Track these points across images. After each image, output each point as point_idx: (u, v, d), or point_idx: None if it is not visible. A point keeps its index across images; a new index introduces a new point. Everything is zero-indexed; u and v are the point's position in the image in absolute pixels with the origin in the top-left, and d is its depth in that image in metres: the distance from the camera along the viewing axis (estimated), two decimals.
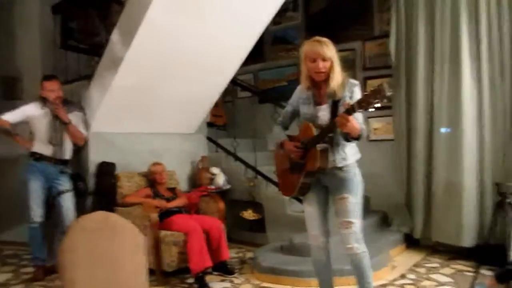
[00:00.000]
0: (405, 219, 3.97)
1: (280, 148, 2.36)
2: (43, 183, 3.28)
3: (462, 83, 3.54)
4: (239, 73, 4.45)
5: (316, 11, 5.17)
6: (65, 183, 3.33)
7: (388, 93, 1.82)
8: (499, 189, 3.23)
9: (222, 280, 3.14)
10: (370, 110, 1.93)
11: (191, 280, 3.07)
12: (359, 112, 1.97)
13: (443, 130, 3.71)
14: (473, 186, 3.51)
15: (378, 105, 1.88)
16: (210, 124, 4.86)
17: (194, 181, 4.30)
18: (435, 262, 3.51)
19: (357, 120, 2.05)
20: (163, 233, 3.16)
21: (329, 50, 2.13)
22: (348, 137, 2.09)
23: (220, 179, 4.16)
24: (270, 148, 2.49)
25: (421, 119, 3.84)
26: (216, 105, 4.75)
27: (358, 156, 2.27)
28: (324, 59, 2.13)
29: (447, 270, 3.28)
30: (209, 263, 3.01)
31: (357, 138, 2.08)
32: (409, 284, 2.99)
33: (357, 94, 2.15)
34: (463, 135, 3.53)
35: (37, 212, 3.24)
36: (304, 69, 2.23)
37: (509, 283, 2.41)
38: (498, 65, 3.47)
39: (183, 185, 4.13)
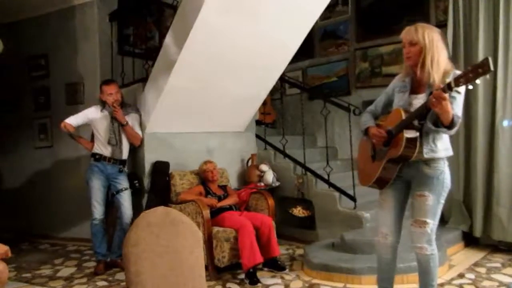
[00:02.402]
0: (462, 217, 3.80)
1: (365, 135, 2.31)
2: (103, 182, 3.49)
3: None
4: (287, 70, 4.47)
5: (367, 3, 5.06)
6: (123, 182, 3.53)
7: (492, 69, 1.69)
8: None
9: (273, 276, 3.18)
10: (470, 87, 1.80)
11: (242, 276, 3.14)
12: (457, 92, 1.85)
13: (507, 123, 3.51)
14: None
15: (478, 81, 1.75)
16: (258, 122, 4.92)
17: (244, 179, 4.39)
18: (496, 261, 3.34)
19: (455, 106, 1.94)
20: (215, 229, 3.26)
21: (418, 34, 2.03)
22: (438, 123, 1.94)
23: (269, 176, 4.20)
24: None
25: (482, 112, 3.65)
26: (265, 102, 4.80)
27: (449, 152, 2.12)
28: (411, 44, 2.05)
29: (509, 270, 3.11)
30: (260, 259, 3.06)
31: (448, 126, 1.92)
32: (468, 284, 2.87)
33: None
34: None
35: (98, 209, 3.46)
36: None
37: None
38: None
39: (233, 183, 4.23)
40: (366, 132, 2.29)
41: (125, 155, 3.57)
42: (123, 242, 1.53)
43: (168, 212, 1.64)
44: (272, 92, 4.92)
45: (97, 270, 3.41)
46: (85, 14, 4.62)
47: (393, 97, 2.26)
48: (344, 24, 5.27)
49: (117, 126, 3.50)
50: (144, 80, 3.84)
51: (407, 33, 2.10)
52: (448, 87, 1.82)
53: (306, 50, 5.05)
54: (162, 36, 3.54)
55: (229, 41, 3.40)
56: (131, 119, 3.59)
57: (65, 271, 3.53)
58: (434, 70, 1.99)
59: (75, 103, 4.58)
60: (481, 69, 1.71)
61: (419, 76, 2.08)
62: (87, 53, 4.61)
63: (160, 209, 1.63)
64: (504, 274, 3.04)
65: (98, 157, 3.49)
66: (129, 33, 4.78)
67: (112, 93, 3.48)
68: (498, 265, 3.26)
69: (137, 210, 3.48)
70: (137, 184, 3.67)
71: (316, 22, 4.01)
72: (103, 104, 3.52)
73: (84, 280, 3.29)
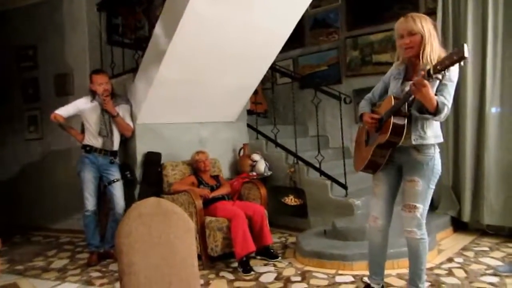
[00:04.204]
0: (451, 202, 3.87)
1: (361, 121, 2.36)
2: (95, 173, 3.48)
3: None
4: (278, 59, 4.47)
5: None
6: (115, 173, 3.52)
7: (467, 55, 1.73)
8: None
9: (266, 264, 3.22)
10: (447, 74, 1.88)
11: (235, 265, 3.18)
12: (436, 77, 1.88)
13: (495, 109, 3.57)
14: None
15: (454, 67, 1.82)
16: (250, 112, 4.93)
17: (236, 168, 4.41)
18: (484, 245, 3.42)
19: (446, 94, 1.99)
20: (208, 219, 3.28)
21: (418, 24, 2.05)
22: (423, 109, 1.99)
23: (261, 166, 4.22)
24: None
25: (471, 98, 3.69)
26: (256, 92, 4.80)
27: (439, 139, 2.16)
28: (410, 34, 2.07)
29: (497, 254, 3.19)
30: (252, 247, 3.10)
31: (433, 113, 1.97)
32: (456, 267, 2.94)
33: (452, 74, 2.03)
34: None
35: (90, 201, 3.46)
36: (397, 48, 2.20)
37: None
38: None
39: (225, 173, 4.25)
40: (361, 118, 2.33)
41: (116, 146, 3.57)
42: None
43: (160, 203, 1.65)
44: (263, 82, 4.92)
45: (90, 261, 3.42)
46: (73, 3, 4.55)
47: (389, 85, 2.29)
48: (334, 12, 5.25)
49: (108, 117, 3.48)
50: (134, 70, 3.81)
51: (405, 23, 2.10)
52: (428, 74, 1.86)
53: (296, 39, 5.04)
54: (152, 26, 3.51)
55: (219, 31, 3.38)
56: (122, 110, 3.57)
57: (58, 263, 3.54)
58: (433, 58, 2.02)
59: (65, 94, 4.54)
60: (456, 56, 1.76)
61: (418, 66, 2.10)
62: (76, 43, 4.56)
63: (152, 200, 1.64)
64: (492, 257, 3.12)
65: (89, 149, 3.48)
66: (118, 23, 4.73)
67: (102, 82, 3.46)
68: (486, 248, 3.33)
69: (129, 201, 3.49)
70: (128, 175, 3.67)
71: (307, 11, 4.00)
72: (94, 95, 3.50)
73: (78, 271, 3.30)
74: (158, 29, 3.39)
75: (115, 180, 3.50)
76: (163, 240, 1.59)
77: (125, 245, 1.50)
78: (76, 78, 4.56)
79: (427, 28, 2.06)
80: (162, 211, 1.62)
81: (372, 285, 2.42)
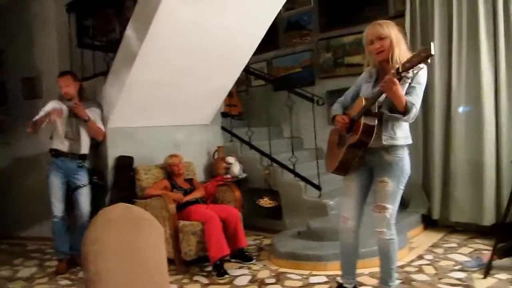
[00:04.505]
0: (422, 201, 3.97)
1: (333, 123, 2.39)
2: (62, 178, 3.39)
3: (480, 62, 3.50)
4: (252, 61, 4.47)
5: None
6: (82, 178, 3.43)
7: (433, 53, 1.81)
8: None
9: (240, 267, 3.22)
10: (416, 71, 1.97)
11: (210, 268, 3.16)
12: (405, 75, 1.95)
13: (462, 110, 3.68)
14: (492, 165, 3.49)
15: (422, 65, 1.90)
16: (225, 114, 4.92)
17: (211, 171, 4.38)
18: (453, 242, 3.52)
19: (414, 96, 2.04)
20: (181, 223, 3.25)
21: (385, 28, 2.13)
22: (394, 108, 2.05)
23: (236, 168, 4.22)
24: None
25: (438, 99, 3.80)
26: (231, 94, 4.79)
27: (409, 141, 2.22)
28: (380, 38, 2.13)
29: (465, 250, 3.29)
30: (227, 251, 3.09)
31: (403, 112, 2.03)
32: (426, 264, 3.02)
33: (420, 77, 2.10)
34: (483, 114, 3.51)
35: (58, 207, 3.36)
36: (367, 54, 2.26)
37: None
38: None
39: (200, 176, 4.22)
40: (333, 120, 2.37)
41: (84, 149, 3.47)
42: None
43: (129, 209, 1.62)
44: (238, 84, 4.92)
45: (59, 269, 3.33)
46: (41, 4, 4.42)
47: (361, 88, 2.34)
48: (307, 14, 5.30)
49: (75, 120, 3.40)
50: (105, 73, 3.74)
51: (373, 29, 2.17)
52: (397, 73, 1.93)
53: (271, 41, 5.06)
54: (124, 28, 3.46)
55: (192, 33, 3.36)
56: (92, 114, 3.49)
57: (25, 272, 3.43)
58: (401, 60, 2.07)
59: (33, 98, 4.40)
60: (424, 53, 1.84)
61: (388, 69, 2.15)
62: (45, 45, 4.43)
63: (120, 206, 1.61)
64: (460, 253, 3.21)
65: (55, 153, 3.39)
66: (89, 25, 4.62)
67: (68, 85, 3.36)
68: (455, 245, 3.44)
69: (98, 206, 3.41)
70: (95, 180, 3.57)
71: (280, 13, 4.02)
72: (62, 98, 3.41)
73: (45, 280, 3.21)
74: (129, 31, 3.34)
75: (81, 186, 3.40)
76: (132, 247, 1.57)
77: (91, 253, 1.47)
78: (45, 81, 4.42)
79: (394, 33, 2.15)
80: (131, 217, 1.60)
81: (344, 284, 2.45)
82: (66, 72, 3.51)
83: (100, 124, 3.55)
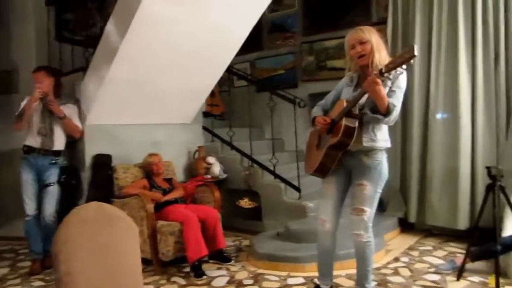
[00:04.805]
0: (399, 204, 4.02)
1: (313, 125, 2.39)
2: (34, 175, 3.28)
3: (459, 69, 3.58)
4: (235, 62, 4.46)
5: None
6: (52, 176, 3.32)
7: (416, 54, 1.84)
8: (490, 172, 3.28)
9: (219, 268, 3.20)
10: (398, 72, 1.98)
11: (188, 269, 3.13)
12: (387, 77, 1.99)
13: (439, 116, 3.75)
14: (467, 170, 3.57)
15: (404, 66, 1.92)
16: (206, 114, 4.88)
17: (191, 171, 4.34)
18: (428, 245, 3.58)
19: (394, 99, 2.06)
20: (159, 223, 3.20)
21: (366, 33, 2.17)
22: (375, 109, 2.07)
23: (216, 169, 4.20)
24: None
25: (417, 105, 3.87)
26: (213, 94, 4.76)
27: (388, 144, 2.25)
28: (361, 42, 2.16)
29: (440, 253, 3.36)
30: (205, 251, 3.06)
31: (384, 114, 2.05)
32: (402, 266, 3.06)
33: (400, 81, 2.12)
34: (460, 121, 3.58)
35: (30, 205, 3.26)
36: (348, 59, 2.29)
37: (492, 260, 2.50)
38: (493, 51, 3.49)
39: (179, 175, 4.18)
40: (313, 122, 2.37)
41: (58, 146, 3.36)
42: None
43: (103, 208, 1.58)
44: (221, 84, 4.89)
45: (32, 270, 3.22)
46: None
47: (341, 93, 2.36)
48: (291, 17, 5.33)
49: (49, 115, 3.30)
50: (84, 69, 3.66)
51: (355, 34, 2.21)
52: (380, 73, 1.96)
53: (254, 42, 5.05)
54: (105, 23, 3.39)
55: (174, 31, 3.32)
56: (68, 110, 3.40)
57: None
58: (382, 64, 2.10)
59: (9, 93, 4.28)
60: (407, 54, 1.88)
61: (369, 73, 2.16)
62: (22, 38, 4.31)
63: (93, 205, 1.57)
64: (435, 256, 3.27)
65: (27, 149, 3.28)
66: (68, 18, 4.52)
67: (41, 81, 3.25)
68: (430, 248, 3.50)
69: (72, 206, 3.33)
70: (63, 179, 3.43)
71: (265, 14, 4.02)
72: None
73: (18, 281, 3.10)
74: (110, 27, 3.27)
75: (50, 184, 3.30)
76: (105, 246, 1.52)
77: (62, 253, 1.42)
78: (21, 75, 4.29)
79: (375, 38, 2.19)
80: (104, 216, 1.56)
81: (321, 285, 2.46)
82: (40, 68, 3.39)
83: (77, 121, 3.46)
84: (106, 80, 3.38)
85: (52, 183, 3.32)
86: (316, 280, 2.56)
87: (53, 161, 3.33)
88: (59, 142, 3.38)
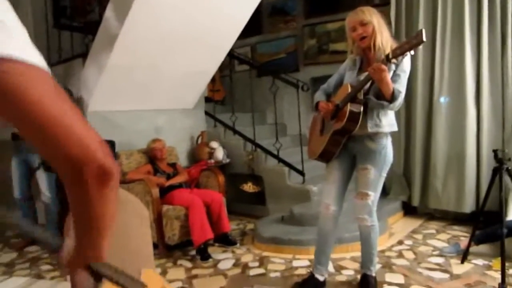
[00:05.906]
0: (402, 188, 4.04)
1: (316, 110, 2.36)
2: (21, 158, 3.41)
3: (464, 53, 3.53)
4: (236, 46, 4.41)
5: None
6: (36, 158, 3.38)
7: (424, 39, 1.80)
8: (496, 155, 3.27)
9: (224, 251, 3.23)
10: (406, 58, 1.95)
11: (193, 253, 3.16)
12: (394, 62, 1.96)
13: (444, 99, 3.72)
14: (473, 154, 3.56)
15: (412, 52, 1.88)
16: (208, 99, 4.86)
17: (194, 156, 4.34)
18: (432, 228, 3.61)
19: (398, 84, 2.04)
20: (165, 207, 3.22)
21: (367, 15, 2.11)
22: (380, 95, 2.04)
23: (220, 153, 4.20)
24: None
25: (421, 88, 3.83)
26: (214, 79, 4.73)
27: (394, 128, 2.22)
28: (362, 24, 2.11)
29: (443, 236, 3.38)
30: (210, 235, 3.08)
31: (389, 100, 2.03)
32: (406, 249, 3.08)
33: (404, 65, 2.09)
34: (466, 105, 3.55)
35: (16, 188, 3.42)
36: (349, 41, 2.23)
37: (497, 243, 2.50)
38: (500, 34, 3.44)
39: (183, 161, 4.18)
40: (317, 107, 2.34)
41: None
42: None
43: None
44: (222, 69, 4.85)
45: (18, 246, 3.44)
46: None
47: (344, 76, 2.32)
48: (292, 0, 5.25)
49: None
50: (84, 55, 3.62)
51: (355, 16, 2.15)
52: (387, 59, 1.93)
53: (255, 26, 5.00)
54: (103, 9, 3.34)
55: (174, 15, 3.27)
56: None
57: (5, 258, 3.34)
58: (385, 46, 2.08)
59: None
60: (415, 40, 1.84)
61: (372, 56, 2.14)
62: None
63: None
64: (438, 239, 3.30)
65: (16, 136, 3.34)
66: (66, 4, 4.46)
67: None
68: (433, 231, 3.52)
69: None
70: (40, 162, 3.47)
71: None
72: None
73: (27, 265, 3.14)
74: (109, 12, 3.22)
75: (39, 167, 3.38)
76: (116, 230, 1.53)
77: None
78: None
79: (376, 19, 2.13)
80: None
81: (316, 275, 2.40)
82: None
83: None
84: (107, 66, 3.35)
85: (38, 166, 3.38)
86: (311, 269, 2.49)
87: None
88: None
